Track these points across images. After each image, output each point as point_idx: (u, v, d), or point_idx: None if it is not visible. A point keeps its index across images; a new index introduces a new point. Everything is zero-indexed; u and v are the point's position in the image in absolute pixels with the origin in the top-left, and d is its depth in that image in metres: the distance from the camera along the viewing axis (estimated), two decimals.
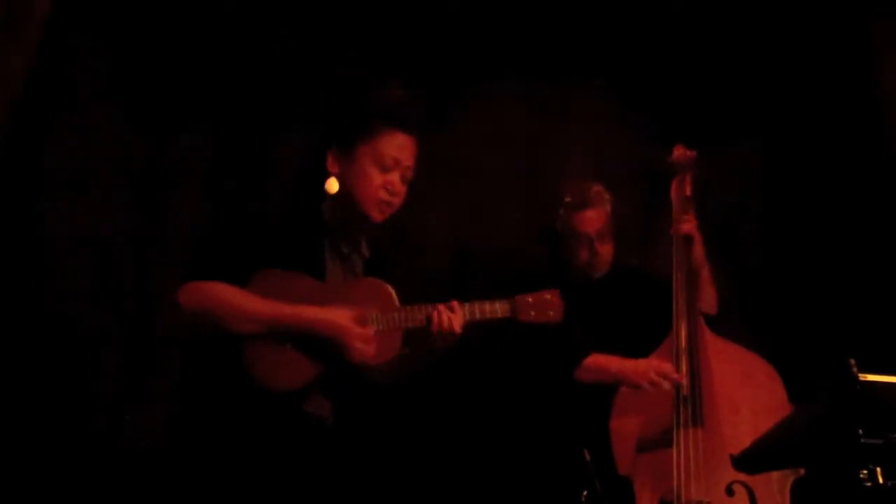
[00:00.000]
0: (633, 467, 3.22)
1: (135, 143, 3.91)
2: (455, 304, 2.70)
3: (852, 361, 2.27)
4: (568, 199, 3.62)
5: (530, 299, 2.77)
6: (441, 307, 2.69)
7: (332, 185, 2.78)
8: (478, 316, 2.73)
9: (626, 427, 3.28)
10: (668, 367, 3.23)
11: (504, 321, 2.79)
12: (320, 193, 2.81)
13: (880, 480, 2.36)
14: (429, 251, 3.94)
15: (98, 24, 3.88)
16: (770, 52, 4.25)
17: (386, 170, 2.75)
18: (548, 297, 2.79)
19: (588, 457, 3.23)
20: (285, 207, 2.83)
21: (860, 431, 2.34)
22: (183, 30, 3.95)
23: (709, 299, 3.52)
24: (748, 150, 4.25)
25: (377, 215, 2.77)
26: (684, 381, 3.22)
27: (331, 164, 2.79)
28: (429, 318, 2.68)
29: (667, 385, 3.19)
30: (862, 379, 2.26)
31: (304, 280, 2.68)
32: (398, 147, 2.77)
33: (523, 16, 4.24)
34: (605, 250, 3.60)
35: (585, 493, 3.21)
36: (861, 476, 2.38)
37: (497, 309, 2.75)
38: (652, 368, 3.22)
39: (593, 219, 3.58)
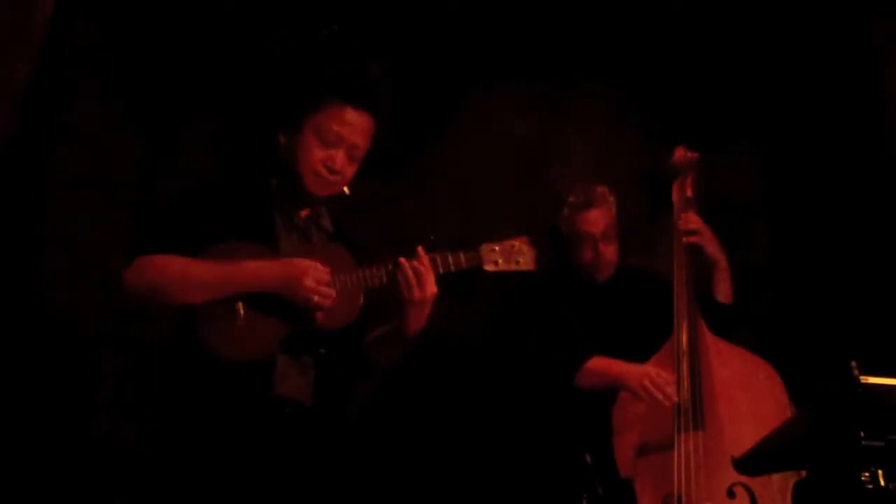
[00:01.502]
0: (635, 470, 3.20)
1: (136, 144, 3.91)
2: (420, 250, 2.61)
3: (854, 364, 2.26)
4: (572, 199, 3.61)
5: (497, 247, 2.67)
6: (403, 259, 2.59)
7: (283, 152, 2.73)
8: (441, 269, 2.62)
9: (627, 429, 3.26)
10: (668, 376, 3.21)
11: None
12: (271, 166, 2.74)
13: (882, 483, 2.36)
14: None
15: (100, 25, 3.88)
16: (772, 52, 4.25)
17: (328, 145, 2.66)
18: (515, 243, 2.68)
19: (589, 459, 3.23)
20: (233, 179, 2.73)
21: (862, 434, 2.33)
22: (184, 31, 3.96)
23: (726, 291, 3.53)
24: (750, 151, 4.24)
25: (317, 190, 2.69)
26: (675, 400, 3.18)
27: (281, 135, 2.73)
28: (395, 276, 2.58)
29: (659, 395, 3.17)
30: (863, 381, 2.25)
31: (257, 248, 2.59)
32: (345, 123, 2.66)
33: (524, 17, 4.23)
34: (610, 251, 3.59)
35: (586, 495, 3.20)
36: (863, 478, 2.37)
37: (462, 259, 2.64)
38: (647, 375, 3.20)
39: (597, 219, 3.56)
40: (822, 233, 4.13)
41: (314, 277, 2.54)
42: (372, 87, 2.77)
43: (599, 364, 3.34)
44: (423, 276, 2.59)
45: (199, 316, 2.52)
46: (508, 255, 2.67)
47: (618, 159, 4.13)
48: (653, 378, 3.18)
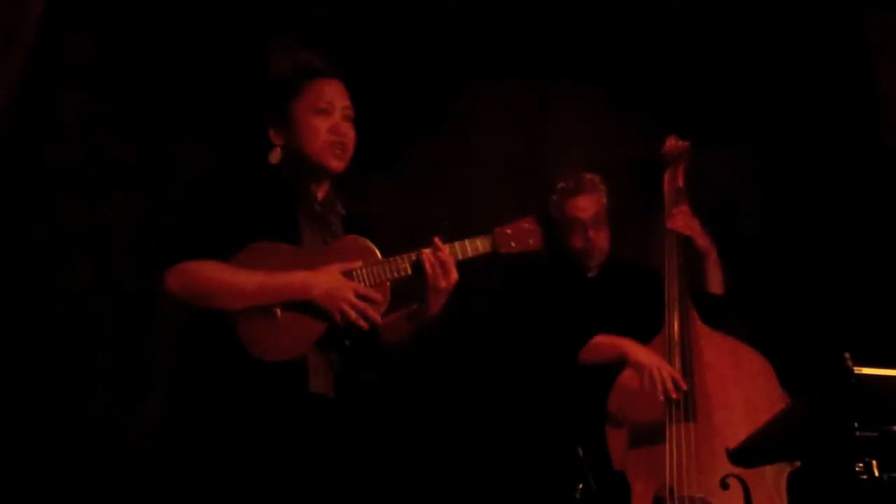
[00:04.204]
0: (628, 462, 3.20)
1: (133, 142, 3.92)
2: (437, 241, 2.68)
3: (847, 354, 2.25)
4: (561, 186, 3.62)
5: (509, 230, 2.74)
6: (426, 251, 2.67)
7: (275, 156, 2.78)
8: (460, 255, 2.70)
9: (620, 422, 3.26)
10: (677, 375, 3.19)
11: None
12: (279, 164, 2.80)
13: (876, 473, 2.36)
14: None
15: (94, 23, 3.88)
16: (768, 49, 4.25)
17: (324, 112, 2.75)
18: (525, 225, 2.76)
19: (581, 453, 3.22)
20: (252, 180, 2.77)
21: (855, 424, 2.33)
22: (180, 31, 3.96)
23: (717, 282, 3.51)
24: (746, 147, 4.24)
25: (334, 162, 2.75)
26: (673, 396, 3.18)
27: (274, 136, 2.79)
28: (419, 265, 2.66)
29: (659, 387, 3.16)
30: (857, 372, 2.24)
31: (285, 247, 2.65)
32: (328, 91, 2.78)
33: (516, 10, 4.23)
34: (600, 238, 3.58)
35: (580, 486, 3.19)
36: (857, 469, 2.37)
37: (479, 245, 2.72)
38: (659, 364, 3.18)
39: (587, 205, 3.56)
40: (817, 224, 4.13)
41: (353, 293, 2.61)
42: (321, 60, 2.83)
43: (606, 337, 3.34)
44: (447, 266, 2.67)
45: (238, 316, 2.57)
46: (520, 237, 2.76)
47: (610, 150, 4.12)
48: (663, 368, 3.17)
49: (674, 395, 3.17)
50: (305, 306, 2.60)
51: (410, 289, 2.73)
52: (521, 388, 3.66)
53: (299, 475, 2.57)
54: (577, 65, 4.22)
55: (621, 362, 3.27)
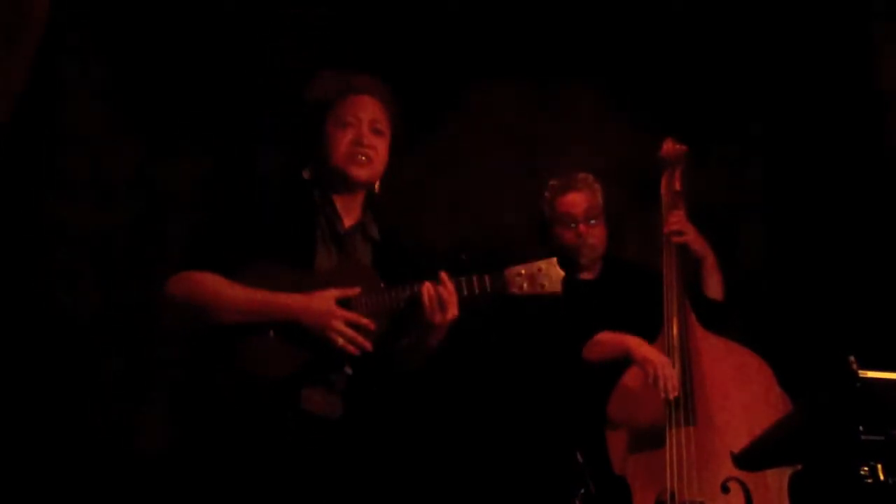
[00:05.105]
0: (628, 466, 3.18)
1: (134, 145, 3.91)
2: (444, 275, 2.65)
3: (852, 358, 2.25)
4: (553, 183, 3.61)
5: (522, 270, 2.66)
6: (427, 284, 2.63)
7: (307, 173, 2.85)
8: (465, 292, 2.65)
9: (620, 426, 3.24)
10: (676, 377, 3.18)
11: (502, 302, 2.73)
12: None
13: (881, 477, 2.36)
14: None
15: (95, 27, 3.89)
16: (770, 51, 4.26)
17: (348, 125, 2.78)
18: (542, 266, 2.67)
19: (581, 458, 3.20)
20: (273, 194, 2.80)
21: (861, 428, 2.33)
22: (181, 34, 3.97)
23: (716, 286, 3.49)
24: (748, 149, 4.24)
25: (356, 170, 2.76)
26: (672, 396, 3.16)
27: (310, 154, 2.84)
28: (418, 298, 2.62)
29: (662, 383, 3.15)
30: (862, 376, 2.24)
31: (288, 269, 2.66)
32: (356, 105, 2.80)
33: (516, 10, 4.22)
34: (593, 234, 3.54)
35: (581, 491, 3.18)
36: (862, 473, 2.37)
37: (486, 282, 2.66)
38: (665, 363, 3.17)
39: (578, 201, 3.54)
40: (820, 226, 4.14)
41: (342, 321, 2.60)
42: (357, 78, 2.85)
43: (609, 335, 3.32)
44: (445, 301, 2.63)
45: (234, 331, 2.59)
46: (533, 279, 2.67)
47: (609, 151, 4.11)
48: (665, 366, 3.15)
49: (672, 396, 3.16)
50: (297, 331, 2.60)
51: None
52: (521, 391, 3.65)
53: (286, 492, 2.57)
54: (577, 65, 4.22)
55: (625, 359, 3.25)
